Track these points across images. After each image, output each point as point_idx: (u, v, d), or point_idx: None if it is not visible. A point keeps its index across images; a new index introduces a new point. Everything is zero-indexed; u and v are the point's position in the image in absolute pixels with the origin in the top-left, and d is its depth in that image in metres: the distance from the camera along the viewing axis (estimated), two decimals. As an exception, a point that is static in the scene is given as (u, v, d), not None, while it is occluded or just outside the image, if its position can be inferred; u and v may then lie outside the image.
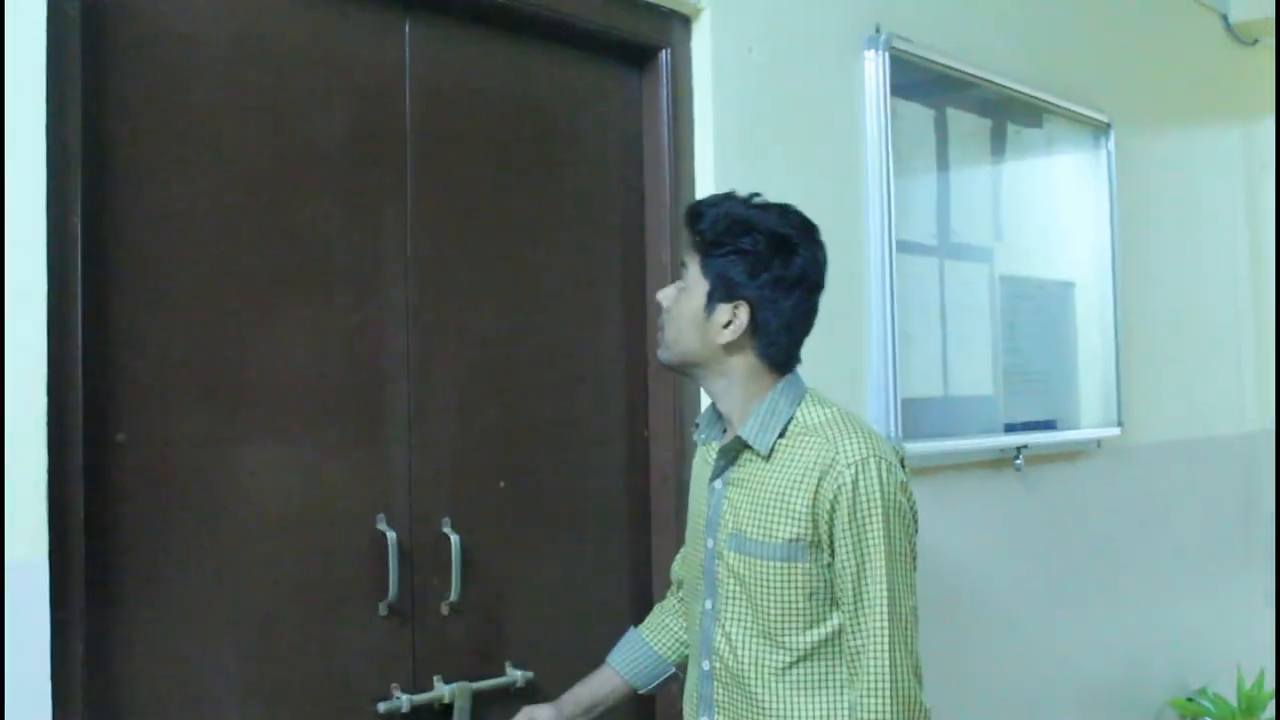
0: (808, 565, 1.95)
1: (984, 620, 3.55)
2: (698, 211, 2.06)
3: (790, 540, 1.95)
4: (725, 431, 2.13)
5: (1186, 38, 4.88)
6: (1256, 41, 5.19)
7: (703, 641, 2.10)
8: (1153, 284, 4.43)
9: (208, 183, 2.11)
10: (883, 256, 3.14)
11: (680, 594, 2.34)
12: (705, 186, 2.74)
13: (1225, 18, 5.09)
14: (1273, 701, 4.63)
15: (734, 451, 2.05)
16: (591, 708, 2.31)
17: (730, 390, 2.06)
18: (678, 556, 2.40)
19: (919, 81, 3.32)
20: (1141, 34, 4.53)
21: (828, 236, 2.99)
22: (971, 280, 3.57)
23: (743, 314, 1.99)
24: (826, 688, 1.97)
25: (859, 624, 1.93)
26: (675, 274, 2.46)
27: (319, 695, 2.21)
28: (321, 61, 2.26)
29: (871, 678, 1.91)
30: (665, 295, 2.10)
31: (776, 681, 1.98)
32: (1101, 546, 4.12)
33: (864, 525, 1.92)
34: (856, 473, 1.93)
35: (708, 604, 2.08)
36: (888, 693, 1.90)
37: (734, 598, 2.03)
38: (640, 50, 2.75)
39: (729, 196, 2.07)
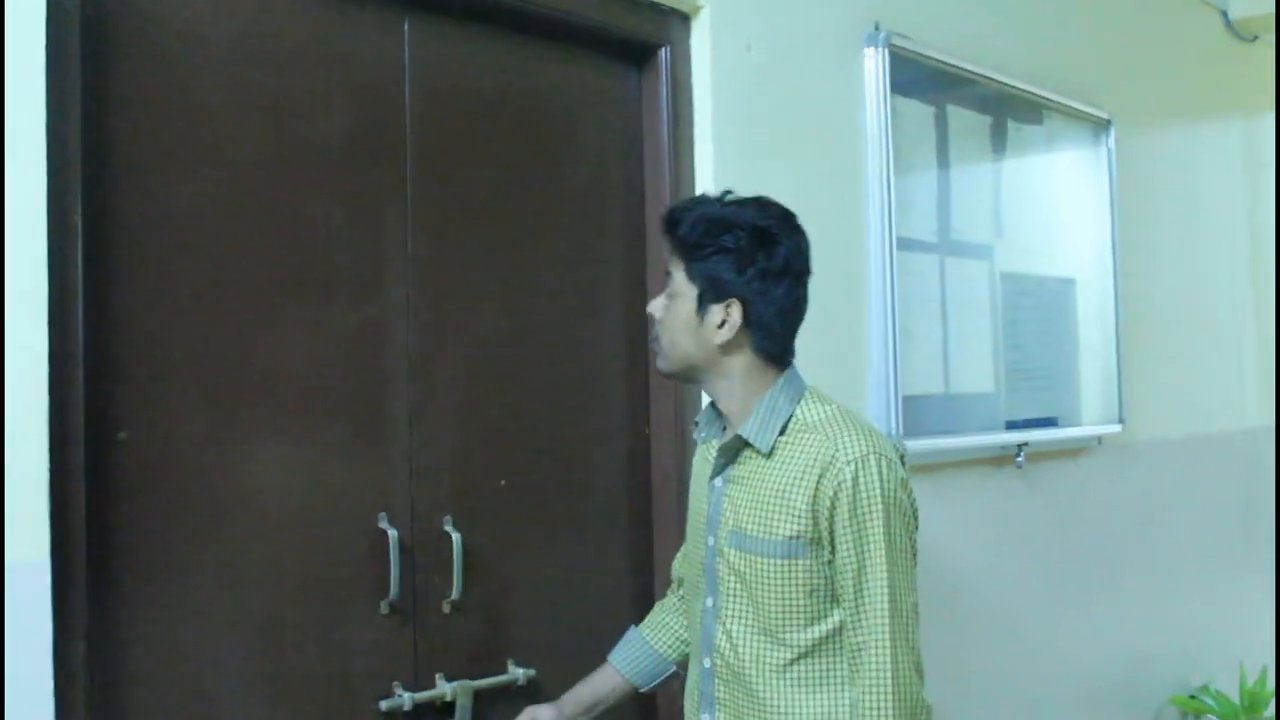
0: (808, 562, 1.95)
1: (985, 617, 3.55)
2: (674, 218, 2.06)
3: (791, 537, 1.95)
4: (725, 430, 2.13)
5: (1187, 34, 4.88)
6: (1257, 38, 5.19)
7: (704, 639, 2.10)
8: (1154, 280, 4.43)
9: (208, 181, 2.11)
10: (883, 254, 3.14)
11: (680, 592, 2.34)
12: (705, 184, 2.74)
13: (1225, 14, 5.09)
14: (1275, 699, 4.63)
15: (734, 449, 2.06)
16: (593, 707, 2.31)
17: (731, 390, 2.06)
18: (678, 555, 2.40)
19: (919, 78, 3.32)
20: (1142, 30, 4.53)
21: (828, 234, 3.00)
22: (972, 277, 3.57)
23: (735, 312, 2.00)
24: (827, 685, 1.97)
25: (860, 621, 1.93)
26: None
27: (321, 693, 2.22)
28: (321, 60, 2.26)
29: (873, 674, 1.91)
30: (656, 306, 2.10)
31: (777, 678, 1.98)
32: (1103, 543, 4.12)
33: (864, 522, 1.92)
34: (857, 469, 1.93)
35: (708, 601, 2.08)
36: (889, 689, 1.90)
37: (735, 595, 2.03)
38: (639, 48, 2.75)
39: (702, 199, 2.08)
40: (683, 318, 2.04)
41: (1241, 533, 5.04)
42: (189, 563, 2.06)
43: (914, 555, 2.00)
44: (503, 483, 2.50)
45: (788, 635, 1.98)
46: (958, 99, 3.52)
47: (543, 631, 2.55)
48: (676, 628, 2.34)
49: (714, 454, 2.11)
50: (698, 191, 2.72)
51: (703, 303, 2.01)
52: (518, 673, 2.47)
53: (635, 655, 2.35)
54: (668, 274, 2.08)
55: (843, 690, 1.97)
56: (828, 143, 3.08)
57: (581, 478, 2.66)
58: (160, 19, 2.06)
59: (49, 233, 1.82)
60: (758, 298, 2.00)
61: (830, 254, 3.03)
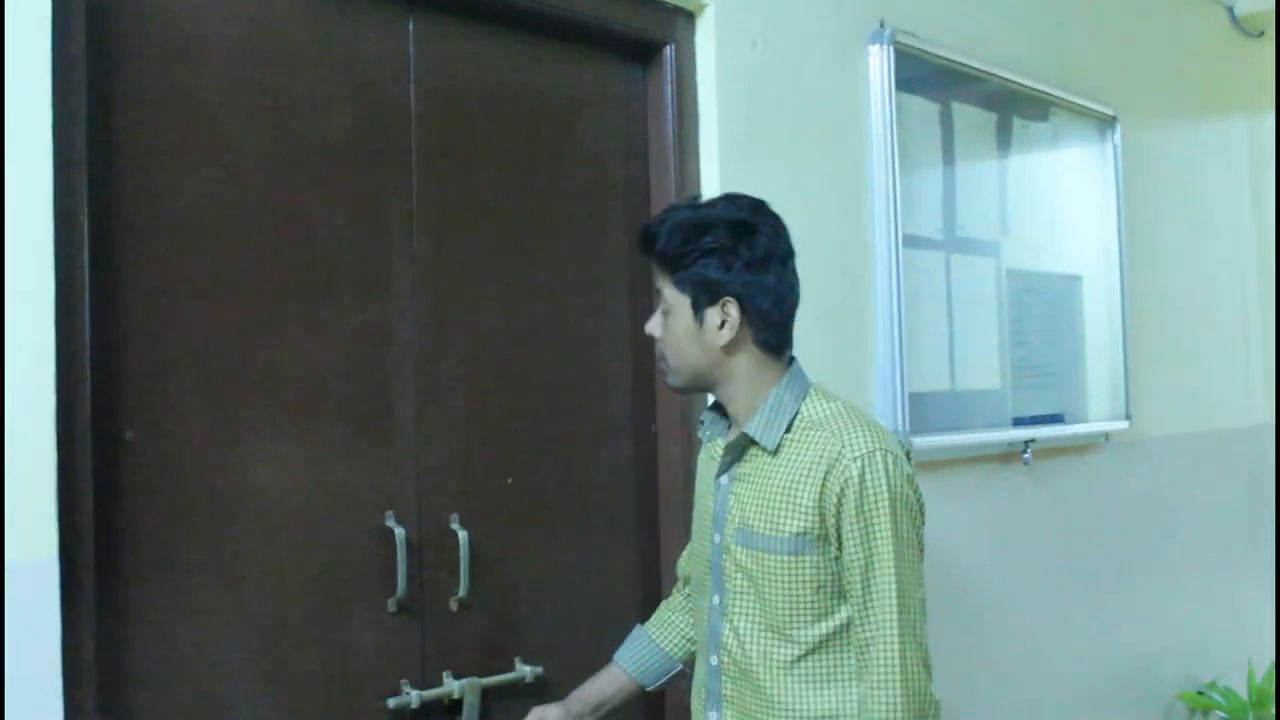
0: (815, 559, 1.96)
1: (992, 614, 3.54)
2: (649, 235, 2.05)
3: (797, 534, 1.95)
4: (730, 428, 2.13)
5: (1192, 30, 4.87)
6: (1263, 33, 5.18)
7: (710, 636, 2.10)
8: (1160, 276, 4.43)
9: (213, 181, 2.11)
10: (889, 251, 3.14)
11: (686, 590, 2.34)
12: (710, 181, 2.74)
13: (1231, 10, 5.08)
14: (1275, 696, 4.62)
15: (740, 447, 2.06)
16: (599, 706, 2.31)
17: (738, 390, 2.06)
18: (684, 553, 2.40)
19: (924, 76, 3.32)
20: (1147, 27, 4.52)
21: (833, 231, 3.02)
22: (978, 274, 3.57)
23: (732, 309, 2.00)
24: (835, 681, 1.97)
25: (868, 616, 1.93)
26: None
27: (329, 691, 2.22)
28: (326, 59, 2.27)
29: (881, 670, 1.91)
30: (654, 326, 2.10)
31: (785, 675, 1.99)
32: (1110, 539, 4.11)
33: (871, 518, 1.93)
34: (863, 466, 1.93)
35: (715, 599, 2.09)
36: (898, 685, 1.91)
37: (741, 592, 2.03)
38: (644, 46, 2.75)
39: (670, 209, 2.08)
40: (683, 329, 2.04)
41: (1249, 529, 5.03)
42: (196, 561, 2.06)
43: (921, 551, 2.00)
44: (509, 481, 2.50)
45: (795, 632, 1.98)
46: (963, 96, 3.51)
47: (550, 629, 2.55)
48: (682, 626, 2.34)
49: (719, 452, 2.11)
50: (702, 187, 2.73)
51: (698, 308, 2.01)
52: (525, 670, 2.47)
53: (641, 654, 2.35)
54: (657, 291, 2.08)
55: (850, 686, 1.97)
56: (833, 140, 3.08)
57: (588, 476, 2.66)
58: (165, 18, 2.06)
59: (55, 232, 1.82)
60: (750, 290, 2.00)
61: (836, 251, 3.04)
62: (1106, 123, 4.11)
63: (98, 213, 1.93)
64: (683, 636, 2.34)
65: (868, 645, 1.94)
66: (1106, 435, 4.09)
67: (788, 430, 2.02)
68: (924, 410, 3.22)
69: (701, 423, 2.22)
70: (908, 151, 3.22)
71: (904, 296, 3.14)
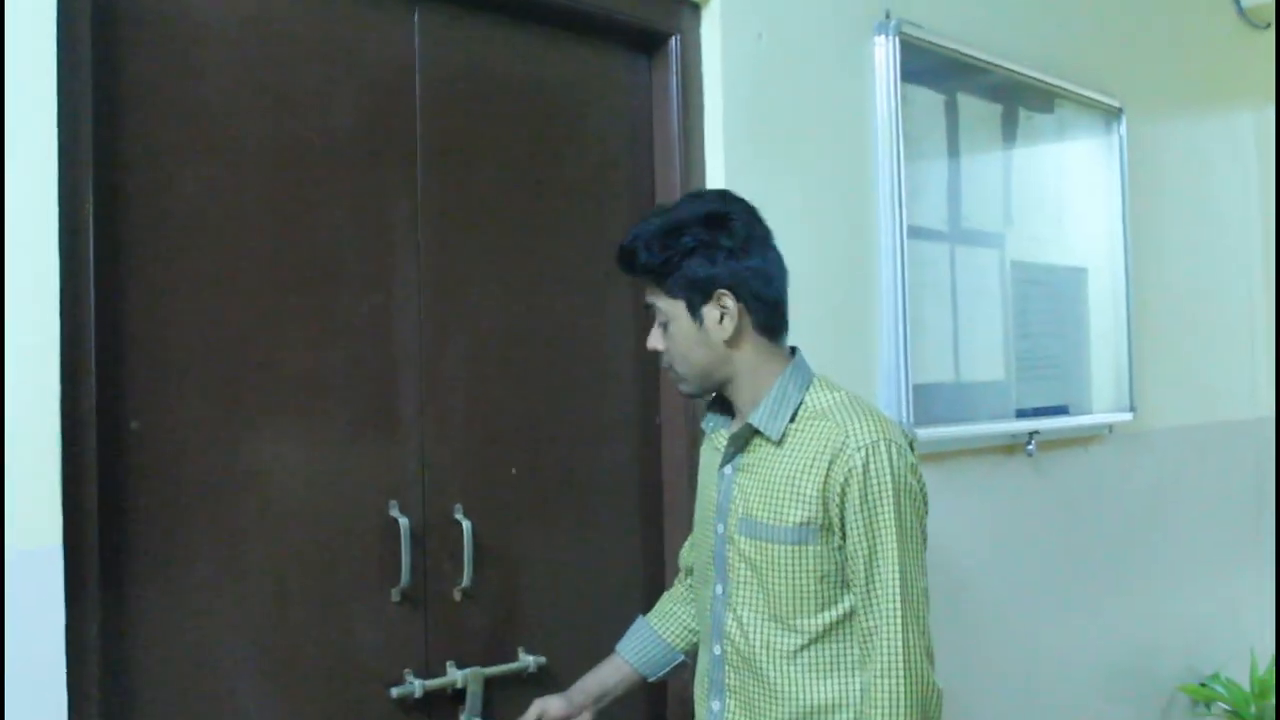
0: (819, 548, 1.96)
1: (995, 606, 3.55)
2: (629, 253, 2.06)
3: (801, 524, 1.96)
4: (734, 419, 2.13)
5: (1199, 22, 4.86)
6: (1269, 25, 5.16)
7: (713, 626, 2.10)
8: (1165, 269, 4.42)
9: (218, 172, 2.11)
10: (894, 242, 3.13)
11: (689, 581, 2.35)
12: (715, 172, 2.74)
13: (1238, 1, 5.06)
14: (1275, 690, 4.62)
15: (744, 438, 2.06)
16: (601, 697, 2.33)
17: (744, 382, 2.07)
18: (686, 544, 2.40)
19: (929, 67, 3.31)
20: (1153, 18, 4.51)
21: (838, 222, 3.02)
22: (983, 266, 3.57)
23: (728, 300, 2.00)
24: (838, 670, 1.98)
25: (872, 605, 1.94)
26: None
27: (332, 680, 2.23)
28: (331, 51, 2.27)
29: (885, 658, 1.92)
30: (654, 340, 2.10)
31: (788, 664, 1.99)
32: (1114, 531, 4.11)
33: (875, 508, 1.93)
34: (867, 456, 1.93)
35: (718, 589, 2.09)
36: (901, 673, 1.91)
37: (745, 582, 2.04)
38: (649, 37, 2.75)
39: (639, 225, 2.06)
40: (685, 334, 2.04)
41: (1253, 521, 5.03)
42: (200, 550, 2.07)
43: (924, 540, 2.01)
44: (513, 471, 2.50)
45: (798, 621, 1.98)
46: (968, 87, 3.51)
47: (553, 619, 2.56)
48: (684, 617, 2.35)
49: (723, 443, 2.11)
50: (707, 179, 2.73)
51: (694, 309, 2.02)
52: (528, 660, 2.48)
53: (643, 645, 2.36)
54: (649, 306, 2.08)
55: (853, 675, 1.98)
56: (838, 131, 3.07)
57: (592, 466, 2.66)
58: (170, 12, 2.06)
59: (61, 223, 1.83)
60: (740, 276, 2.01)
61: (841, 242, 3.04)
62: (1112, 114, 4.10)
63: (103, 204, 1.93)
64: (684, 627, 2.34)
65: (871, 634, 1.94)
66: (1110, 427, 4.09)
67: (791, 420, 2.02)
68: (928, 402, 3.22)
69: (705, 414, 2.22)
70: (913, 143, 3.22)
71: (908, 288, 3.13)
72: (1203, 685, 4.56)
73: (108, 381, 1.94)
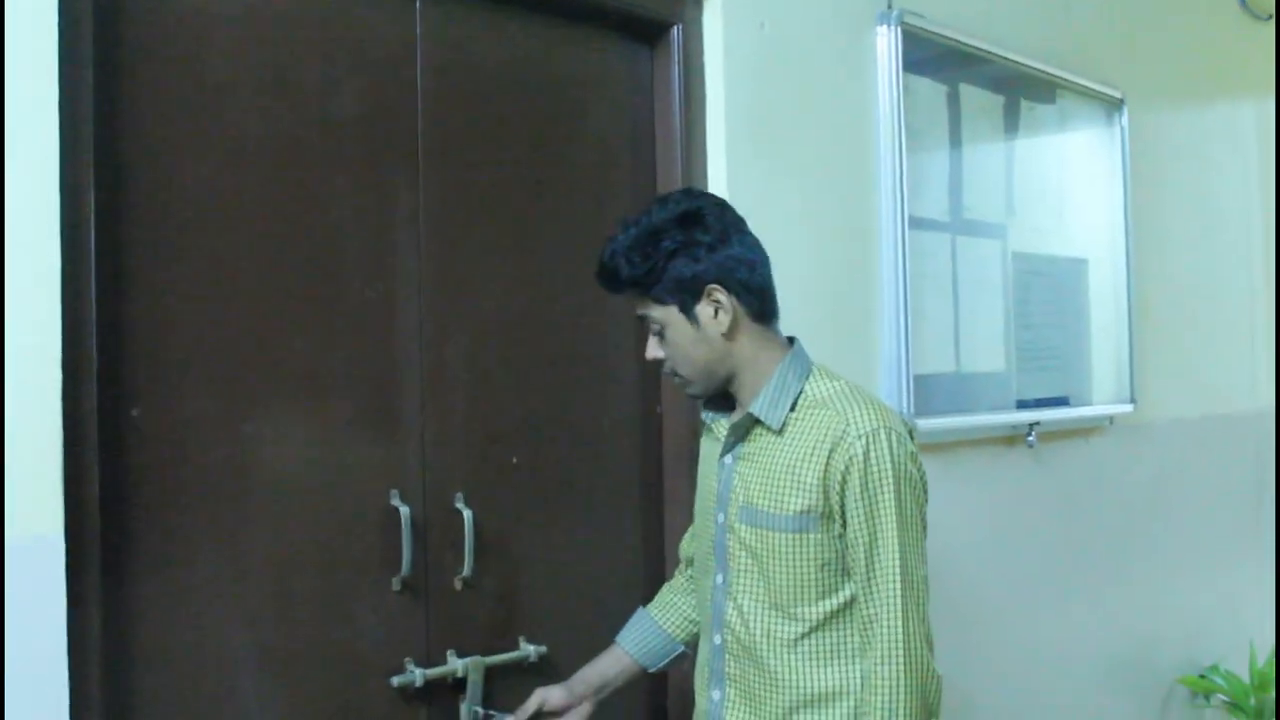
0: (819, 536, 1.97)
1: (995, 596, 3.55)
2: (610, 270, 2.04)
3: (801, 511, 1.96)
4: (734, 409, 2.13)
5: (1201, 13, 4.85)
6: (1271, 16, 5.16)
7: (714, 615, 2.11)
8: (1166, 260, 4.42)
9: (221, 159, 2.11)
10: (895, 233, 3.13)
11: (689, 573, 2.35)
12: (717, 163, 2.74)
13: (1240, -8, 5.07)
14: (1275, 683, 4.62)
15: (745, 427, 2.07)
16: (601, 687, 2.33)
17: (744, 374, 2.07)
18: (686, 535, 2.41)
19: (932, 57, 3.31)
20: (1155, 9, 4.50)
21: (840, 213, 3.02)
22: (984, 256, 3.57)
23: (719, 294, 2.00)
24: (839, 658, 1.99)
25: (872, 593, 1.95)
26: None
27: (333, 669, 2.23)
28: (333, 39, 2.26)
29: (885, 645, 1.93)
30: (652, 349, 2.10)
31: (788, 653, 2.00)
32: (1114, 523, 4.12)
33: (876, 495, 1.94)
34: (867, 444, 1.94)
35: (718, 578, 2.09)
36: (901, 660, 1.92)
37: (745, 571, 2.04)
38: (651, 26, 2.74)
39: (612, 242, 2.05)
40: (683, 337, 2.04)
41: (1253, 513, 5.03)
42: (201, 539, 2.07)
43: (924, 528, 2.01)
44: (514, 461, 2.50)
45: (799, 609, 1.99)
46: (970, 78, 3.50)
47: (554, 608, 2.56)
48: (685, 608, 2.35)
49: (723, 432, 2.12)
50: (709, 169, 2.73)
51: (688, 310, 2.02)
52: (529, 649, 2.48)
53: (643, 636, 2.36)
54: (642, 318, 2.08)
55: (854, 663, 1.99)
56: (840, 122, 3.07)
57: (593, 455, 2.66)
58: (171, 6, 2.06)
59: (62, 210, 1.82)
60: (725, 268, 2.01)
61: (842, 233, 3.04)
62: (1114, 105, 4.10)
63: (105, 191, 1.93)
64: (685, 618, 2.35)
65: (871, 621, 1.95)
66: (1111, 418, 4.09)
67: (792, 409, 2.02)
68: (929, 392, 3.22)
69: (705, 404, 2.22)
70: (915, 133, 3.21)
71: (910, 278, 3.13)
72: (1202, 677, 4.57)
73: (109, 368, 1.94)
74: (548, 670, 2.47)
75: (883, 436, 1.95)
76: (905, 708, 1.92)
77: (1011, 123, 3.71)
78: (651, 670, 2.37)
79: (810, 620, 1.99)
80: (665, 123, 2.77)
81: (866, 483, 1.94)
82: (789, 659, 2.00)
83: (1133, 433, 4.21)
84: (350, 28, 2.29)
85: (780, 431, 2.02)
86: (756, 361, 2.06)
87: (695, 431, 2.65)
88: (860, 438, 1.94)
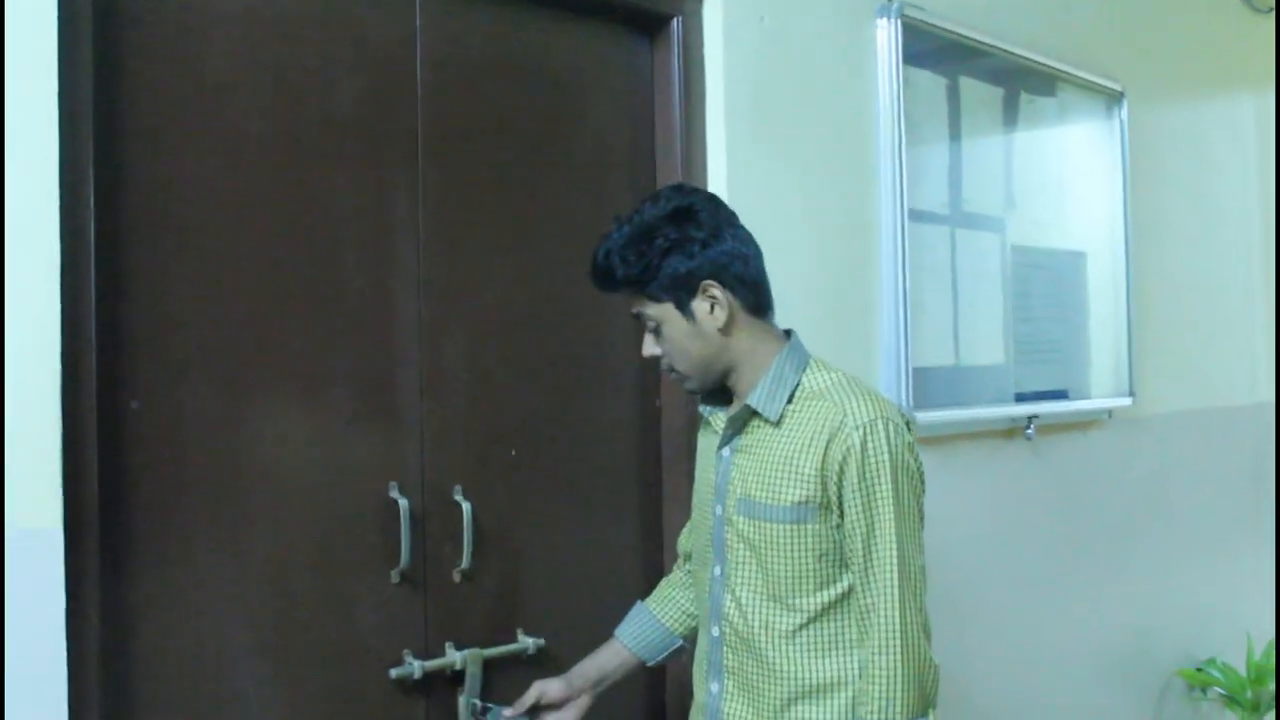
0: (817, 527, 1.97)
1: (993, 589, 3.55)
2: (605, 272, 2.04)
3: (799, 503, 1.97)
4: (732, 402, 2.13)
5: (1201, 6, 4.85)
6: (1271, 9, 5.15)
7: (712, 608, 2.11)
8: (1165, 253, 4.42)
9: (220, 152, 2.11)
10: (894, 225, 3.13)
11: (687, 566, 2.35)
12: (717, 156, 2.73)
13: (1240, -14, 5.06)
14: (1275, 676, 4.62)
15: (743, 419, 2.07)
16: (600, 681, 2.33)
17: (742, 368, 2.07)
18: (684, 529, 2.41)
19: (931, 50, 3.30)
20: (1156, 2, 4.49)
21: (839, 205, 3.02)
22: (983, 249, 3.57)
23: (714, 290, 2.01)
24: (837, 648, 1.99)
25: (869, 583, 1.95)
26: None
27: (332, 661, 2.23)
28: (333, 32, 2.26)
29: (882, 635, 1.94)
30: (649, 347, 2.10)
31: (787, 644, 2.00)
32: (1112, 516, 4.12)
33: (873, 486, 1.94)
34: (865, 434, 1.94)
35: (716, 570, 2.10)
36: (898, 650, 1.93)
37: (743, 562, 2.04)
38: (651, 18, 2.74)
39: (605, 242, 2.04)
40: (680, 333, 2.04)
41: (1251, 506, 5.03)
42: (200, 531, 2.07)
43: (922, 519, 2.02)
44: (513, 453, 2.50)
45: (797, 600, 1.99)
46: (970, 70, 3.50)
47: (552, 601, 2.56)
48: (683, 602, 2.35)
49: (721, 425, 2.12)
50: (709, 162, 2.73)
51: (684, 306, 2.02)
52: (527, 642, 2.48)
53: (641, 630, 2.36)
54: (637, 316, 2.08)
55: (852, 654, 1.99)
56: (840, 114, 3.07)
57: (592, 448, 2.66)
58: (170, 2, 2.06)
59: (61, 202, 1.83)
60: (719, 263, 2.01)
61: (841, 225, 3.04)
62: (1113, 98, 4.09)
63: (104, 183, 1.93)
64: (683, 612, 2.35)
65: (869, 611, 1.96)
66: (1110, 412, 4.09)
67: (789, 401, 2.03)
68: (927, 385, 3.22)
69: (701, 399, 2.22)
70: (914, 126, 3.21)
71: (909, 271, 3.13)
72: (1199, 670, 4.57)
73: (109, 361, 1.94)
74: (546, 663, 2.47)
75: (880, 427, 1.95)
76: (902, 697, 1.93)
77: (1011, 116, 3.71)
78: (650, 664, 2.37)
79: (808, 611, 1.99)
80: (664, 115, 2.77)
81: (864, 473, 1.94)
82: (787, 650, 2.00)
83: (1131, 426, 4.21)
84: (349, 24, 2.29)
85: (778, 423, 2.02)
86: (753, 354, 2.06)
87: (693, 425, 2.65)
88: (858, 428, 1.95)
